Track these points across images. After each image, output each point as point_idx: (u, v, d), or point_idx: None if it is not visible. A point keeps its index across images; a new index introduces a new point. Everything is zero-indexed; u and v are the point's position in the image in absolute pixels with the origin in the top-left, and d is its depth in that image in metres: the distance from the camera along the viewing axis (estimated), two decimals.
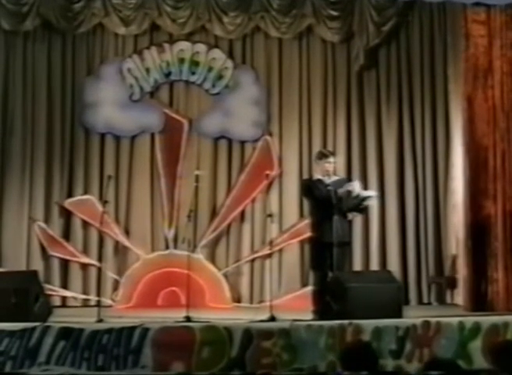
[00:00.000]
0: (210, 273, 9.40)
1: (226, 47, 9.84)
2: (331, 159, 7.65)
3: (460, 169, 8.77)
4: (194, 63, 9.79)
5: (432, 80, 9.69)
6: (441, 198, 9.61)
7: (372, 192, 8.03)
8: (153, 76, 9.77)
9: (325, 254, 7.36)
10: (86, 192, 9.58)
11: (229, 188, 9.73)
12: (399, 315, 6.92)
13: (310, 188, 7.66)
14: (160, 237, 9.65)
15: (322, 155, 7.77)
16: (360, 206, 7.56)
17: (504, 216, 8.40)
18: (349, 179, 9.42)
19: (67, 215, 9.58)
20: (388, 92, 9.77)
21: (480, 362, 6.27)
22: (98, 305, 7.67)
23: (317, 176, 7.75)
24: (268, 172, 9.02)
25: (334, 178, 7.64)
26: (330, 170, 7.60)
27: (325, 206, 7.39)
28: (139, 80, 9.75)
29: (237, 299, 9.50)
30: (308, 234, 7.92)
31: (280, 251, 9.52)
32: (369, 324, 6.42)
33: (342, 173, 8.77)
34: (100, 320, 6.99)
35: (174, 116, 9.75)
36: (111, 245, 9.51)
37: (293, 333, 6.35)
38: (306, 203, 8.45)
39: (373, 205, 8.22)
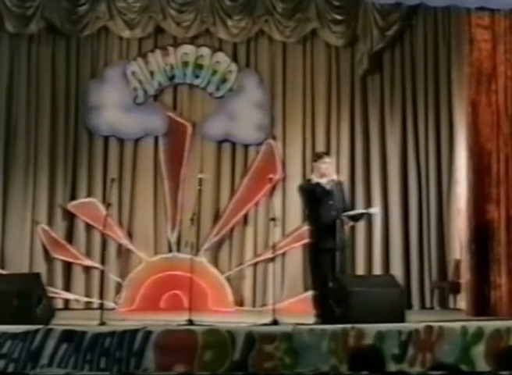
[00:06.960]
0: (213, 276, 9.40)
1: (230, 50, 9.85)
2: (326, 160, 7.55)
3: (463, 173, 8.76)
4: (198, 66, 9.80)
5: (436, 85, 9.69)
6: (444, 203, 9.60)
7: (375, 209, 8.18)
8: (157, 80, 9.78)
9: (324, 259, 7.31)
10: (89, 195, 9.59)
11: (233, 192, 9.73)
12: (401, 319, 6.90)
13: (309, 191, 7.54)
14: (163, 240, 9.65)
15: (317, 157, 7.68)
16: (356, 217, 7.74)
17: (507, 221, 8.39)
18: (351, 182, 9.44)
19: (70, 217, 9.59)
20: (391, 96, 9.77)
21: (482, 367, 6.26)
22: (101, 307, 7.66)
23: (315, 179, 7.64)
24: (271, 175, 9.01)
25: (330, 178, 7.46)
26: (327, 172, 7.45)
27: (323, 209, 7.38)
28: (143, 83, 9.76)
29: (240, 303, 9.50)
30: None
31: (283, 254, 9.52)
32: (372, 328, 6.40)
33: (345, 178, 8.76)
34: (102, 323, 7.01)
35: (178, 119, 9.76)
36: (114, 248, 9.52)
37: (296, 337, 6.33)
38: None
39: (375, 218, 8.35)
